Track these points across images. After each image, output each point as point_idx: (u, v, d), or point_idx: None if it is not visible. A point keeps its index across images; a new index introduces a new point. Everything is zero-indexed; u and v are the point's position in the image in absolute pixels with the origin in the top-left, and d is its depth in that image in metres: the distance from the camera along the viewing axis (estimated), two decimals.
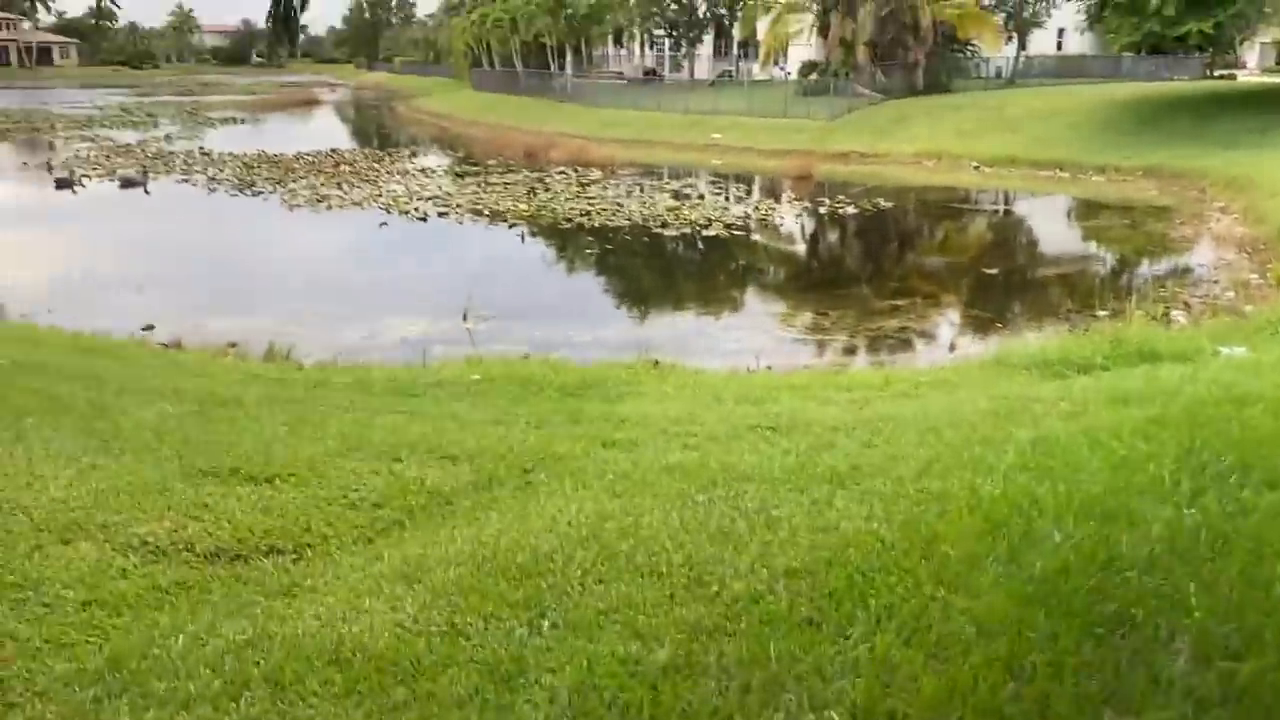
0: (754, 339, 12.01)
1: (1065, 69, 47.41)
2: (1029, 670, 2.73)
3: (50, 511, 4.28)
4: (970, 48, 44.20)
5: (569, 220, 20.77)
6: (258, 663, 2.93)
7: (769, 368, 10.24)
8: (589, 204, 22.72)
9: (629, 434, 6.73)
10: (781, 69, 52.01)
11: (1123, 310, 11.82)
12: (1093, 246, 20.33)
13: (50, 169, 29.90)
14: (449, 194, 24.22)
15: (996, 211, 25.32)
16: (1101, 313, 12.31)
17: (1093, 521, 3.95)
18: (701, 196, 25.19)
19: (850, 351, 11.71)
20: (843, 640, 3.01)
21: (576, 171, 29.11)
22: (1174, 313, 11.92)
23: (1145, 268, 17.36)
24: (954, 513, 4.20)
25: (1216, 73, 43.65)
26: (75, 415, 6.38)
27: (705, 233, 19.76)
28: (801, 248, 20.91)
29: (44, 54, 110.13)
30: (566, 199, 23.45)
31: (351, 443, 6.04)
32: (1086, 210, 24.11)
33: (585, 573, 3.64)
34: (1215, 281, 14.35)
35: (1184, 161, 24.93)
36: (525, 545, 3.97)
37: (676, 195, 24.99)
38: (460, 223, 20.75)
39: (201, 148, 36.43)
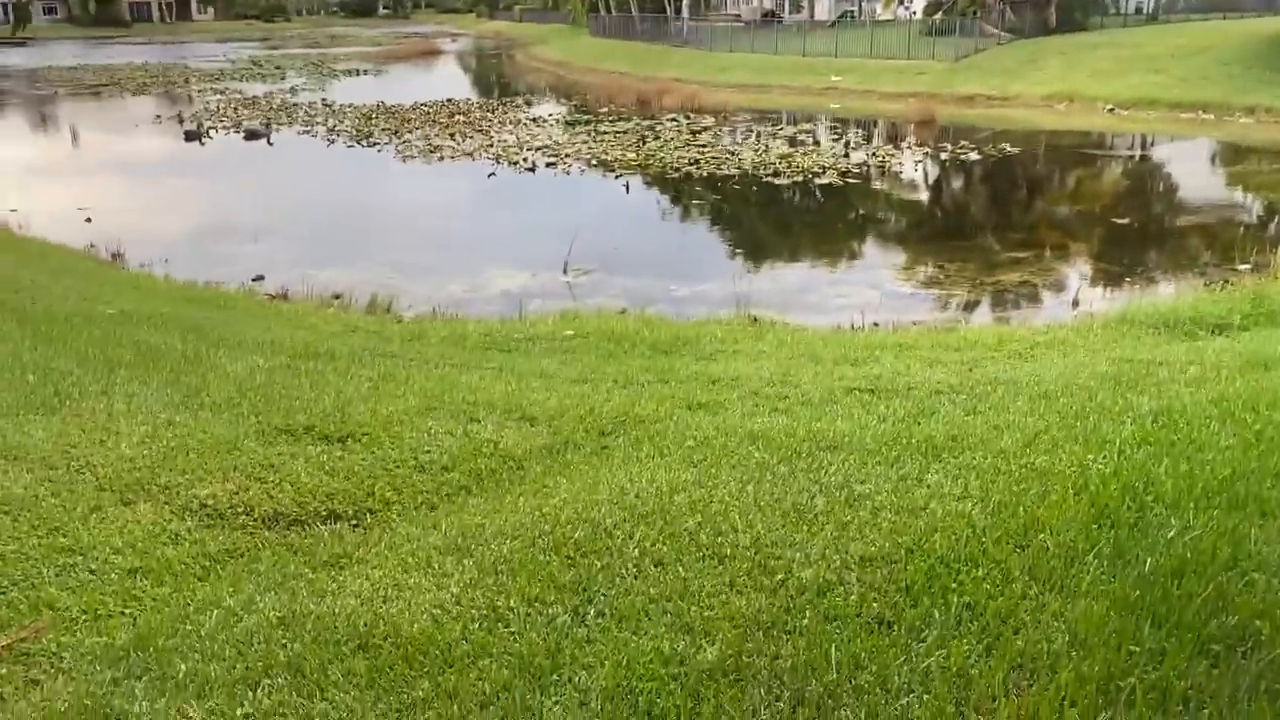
0: (862, 294, 11.52)
1: (1215, 3, 44.33)
2: (1128, 695, 2.38)
3: (117, 470, 4.25)
4: None
5: (677, 169, 20.39)
6: (285, 645, 2.79)
7: (875, 325, 9.79)
8: (699, 152, 22.26)
9: (717, 396, 6.46)
10: (906, 8, 50.06)
11: (1267, 264, 10.91)
12: (1236, 194, 18.96)
13: (180, 121, 30.90)
14: (558, 143, 24.07)
15: (1132, 157, 23.85)
16: (1243, 266, 11.39)
17: (1216, 510, 3.51)
18: (817, 143, 24.45)
19: (965, 307, 11.12)
20: (915, 644, 2.70)
21: (688, 119, 28.61)
22: None
23: None
24: (1058, 495, 3.82)
25: None
26: (166, 368, 6.43)
27: (818, 181, 19.14)
28: (919, 196, 20.08)
29: (183, 8, 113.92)
30: (676, 147, 23.04)
31: (432, 400, 5.92)
32: (1232, 155, 22.52)
33: (644, 553, 3.40)
34: None
35: None
36: (587, 519, 3.76)
37: (791, 141, 24.30)
38: (568, 173, 20.58)
39: (324, 99, 37.12)
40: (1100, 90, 29.19)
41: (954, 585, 3.03)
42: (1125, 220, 15.88)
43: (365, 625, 2.88)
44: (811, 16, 54.13)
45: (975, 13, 38.46)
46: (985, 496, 3.87)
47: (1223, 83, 27.47)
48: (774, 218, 17.36)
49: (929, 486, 4.06)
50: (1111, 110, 27.89)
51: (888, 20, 47.39)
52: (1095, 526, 3.45)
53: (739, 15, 60.84)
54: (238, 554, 3.61)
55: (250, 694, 2.54)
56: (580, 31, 67.81)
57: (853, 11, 56.70)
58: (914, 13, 47.77)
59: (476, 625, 2.87)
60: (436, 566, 3.36)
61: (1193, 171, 21.48)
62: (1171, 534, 3.27)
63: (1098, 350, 7.61)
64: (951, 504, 3.81)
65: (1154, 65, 30.10)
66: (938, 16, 41.03)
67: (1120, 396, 5.74)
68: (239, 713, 2.46)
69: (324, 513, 4.05)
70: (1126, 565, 3.08)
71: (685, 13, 58.92)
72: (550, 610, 2.94)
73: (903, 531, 3.51)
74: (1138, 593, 2.83)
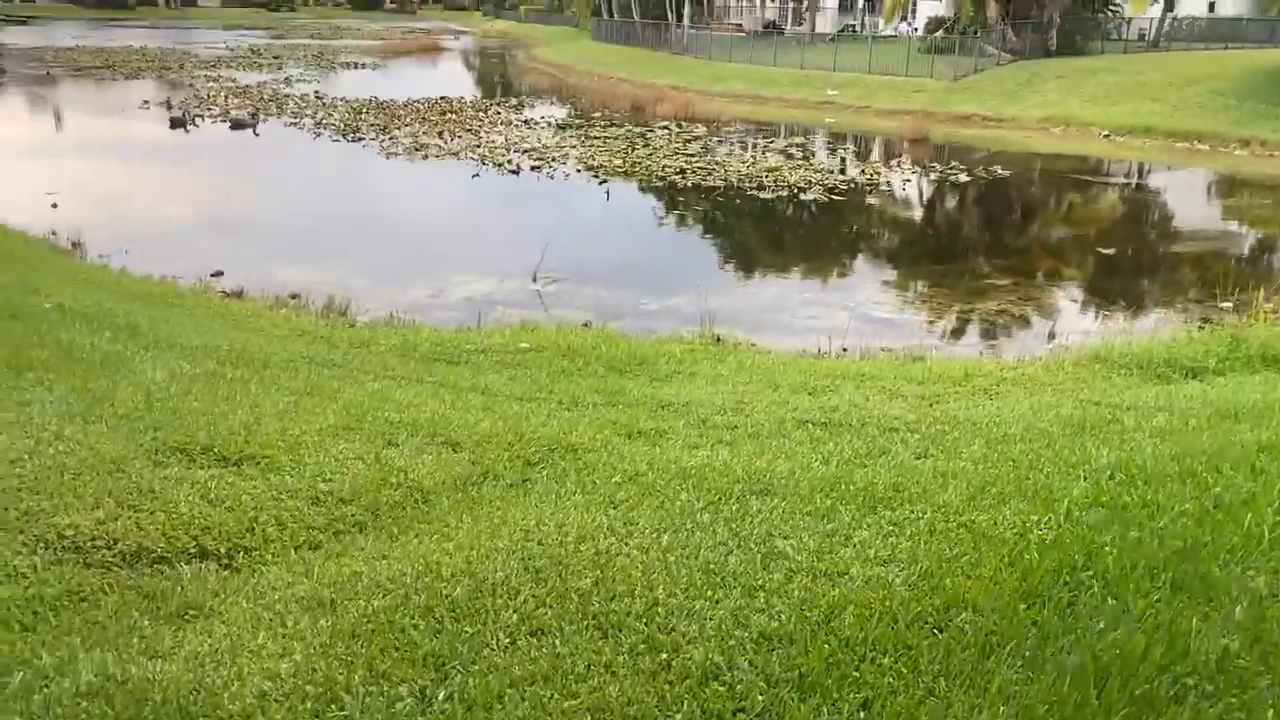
0: (834, 316, 11.20)
1: (1216, 33, 44.12)
2: None
3: None
4: (1113, 8, 41.53)
5: (662, 178, 20.06)
6: None
7: (844, 350, 9.47)
8: (686, 161, 21.95)
9: (662, 423, 6.13)
10: (908, 25, 49.89)
11: (1248, 304, 10.61)
12: (1226, 227, 18.70)
13: (168, 107, 30.52)
14: (546, 146, 23.74)
15: (1125, 185, 23.59)
16: (1224, 305, 11.09)
17: (1159, 594, 3.19)
18: (807, 157, 24.15)
19: (937, 335, 10.81)
20: None
21: (681, 127, 28.31)
22: None
23: (1275, 253, 15.83)
24: (990, 565, 3.49)
25: None
26: (80, 371, 6.08)
27: (804, 196, 18.83)
28: (904, 216, 19.77)
29: None
30: (664, 156, 22.72)
31: (353, 419, 5.59)
32: (1225, 187, 22.28)
33: (524, 619, 3.06)
34: None
35: None
36: (474, 572, 3.42)
37: (783, 154, 24.00)
38: (551, 176, 20.25)
39: (317, 91, 36.78)
40: (1096, 115, 28.96)
41: (854, 675, 2.71)
42: (1111, 250, 15.60)
43: (182, 700, 2.54)
44: (813, 30, 53.84)
45: (976, 32, 38.22)
46: (912, 561, 3.55)
47: (1218, 114, 27.23)
48: (755, 232, 17.04)
49: (855, 545, 3.73)
50: (1107, 136, 27.65)
51: (889, 36, 47.15)
52: (1024, 607, 3.13)
53: (740, 25, 60.63)
54: (79, 598, 3.26)
55: None
56: (583, 35, 67.60)
57: (854, 26, 56.52)
58: (915, 29, 47.56)
59: (306, 707, 2.53)
60: (290, 624, 3.02)
61: (1184, 202, 21.22)
62: (1103, 624, 2.94)
63: (1065, 390, 7.29)
64: (874, 569, 3.48)
65: (1150, 93, 29.87)
66: (939, 34, 40.76)
67: (1080, 445, 5.43)
68: None
69: (194, 549, 3.71)
70: (1048, 661, 2.75)
71: (687, 21, 58.60)
72: (394, 690, 2.61)
73: (814, 603, 3.18)
74: (1053, 701, 2.50)
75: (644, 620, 3.06)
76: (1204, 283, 12.93)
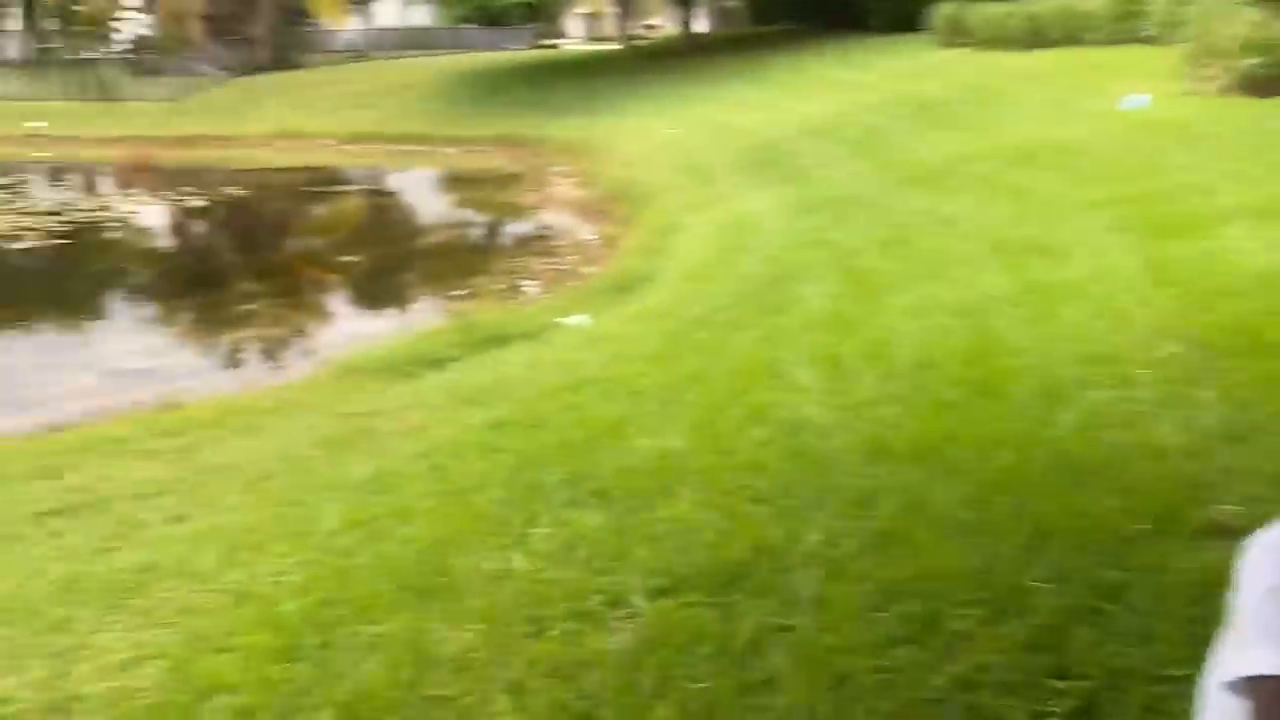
0: (77, 378, 10.03)
1: (412, 41, 48.16)
2: None
3: None
4: (308, 26, 43.19)
5: None
6: None
7: (88, 416, 8.49)
8: None
9: None
10: (116, 45, 46.56)
11: (479, 288, 11.75)
12: (455, 218, 20.65)
13: None
14: None
15: (361, 190, 24.76)
16: (459, 293, 12.13)
17: (407, 612, 3.27)
18: (16, 199, 21.36)
19: (197, 375, 10.23)
20: None
21: None
22: (524, 284, 12.11)
23: (495, 239, 17.92)
24: (246, 629, 3.30)
25: (543, 43, 47.09)
26: None
27: (18, 245, 16.58)
28: (147, 251, 18.55)
29: None
30: None
31: None
32: (445, 184, 24.52)
33: None
34: (559, 245, 15.02)
35: (527, 130, 26.09)
36: None
37: None
38: None
39: None
40: (322, 126, 29.91)
41: None
42: (357, 257, 16.25)
43: None
44: None
45: (183, 50, 37.04)
46: (162, 655, 3.23)
47: (428, 116, 29.76)
48: None
49: (94, 655, 3.29)
50: (336, 146, 28.72)
51: (92, 59, 43.52)
52: (281, 665, 3.00)
53: None
54: None
55: None
56: None
57: (54, 48, 51.15)
58: (125, 49, 44.59)
59: None
60: None
61: (415, 200, 22.96)
62: (356, 656, 2.94)
63: (322, 408, 7.33)
64: (116, 679, 3.09)
65: (366, 101, 31.69)
66: (145, 54, 38.71)
67: (338, 464, 5.49)
68: None
69: None
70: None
71: None
72: None
73: None
74: None
75: None
76: (437, 276, 14.08)
